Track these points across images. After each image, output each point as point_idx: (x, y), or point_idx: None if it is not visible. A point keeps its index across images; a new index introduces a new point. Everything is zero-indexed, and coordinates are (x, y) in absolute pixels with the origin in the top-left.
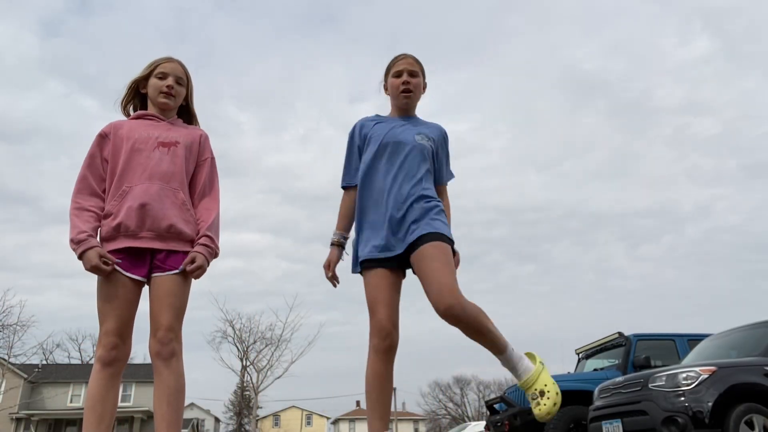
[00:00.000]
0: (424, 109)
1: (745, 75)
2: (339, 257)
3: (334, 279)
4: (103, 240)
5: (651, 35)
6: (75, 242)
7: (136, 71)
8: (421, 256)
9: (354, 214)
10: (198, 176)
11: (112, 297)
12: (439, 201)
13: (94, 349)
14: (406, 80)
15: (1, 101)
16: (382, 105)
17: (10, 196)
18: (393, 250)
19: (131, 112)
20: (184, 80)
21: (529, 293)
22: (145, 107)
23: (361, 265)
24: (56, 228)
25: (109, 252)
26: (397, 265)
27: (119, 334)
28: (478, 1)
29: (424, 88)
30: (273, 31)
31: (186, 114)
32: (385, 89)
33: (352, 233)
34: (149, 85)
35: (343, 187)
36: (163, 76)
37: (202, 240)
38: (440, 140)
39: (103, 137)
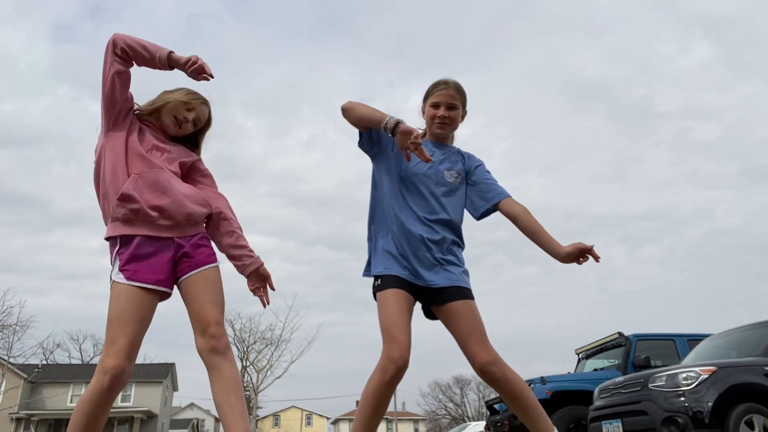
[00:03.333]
0: None
1: (745, 81)
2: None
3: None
4: (118, 220)
5: (652, 42)
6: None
7: (144, 76)
8: (457, 311)
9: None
10: (196, 165)
11: (127, 311)
12: (461, 243)
13: (95, 350)
14: (442, 114)
15: (12, 106)
16: (386, 109)
17: (18, 199)
18: (422, 279)
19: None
20: (201, 124)
21: (530, 294)
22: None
23: (383, 280)
24: (63, 231)
25: (126, 236)
26: (415, 295)
27: (129, 356)
28: (483, 7)
29: (464, 117)
30: (280, 37)
31: (190, 143)
32: (423, 113)
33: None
34: (170, 107)
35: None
36: (190, 108)
37: (248, 251)
38: (470, 170)
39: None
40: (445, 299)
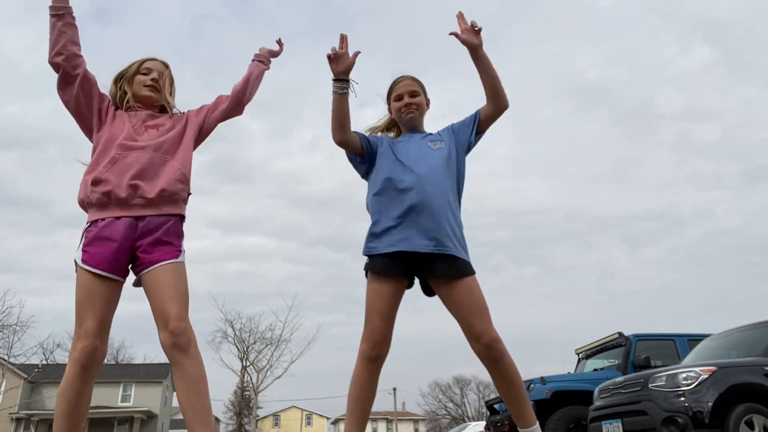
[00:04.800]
0: (428, 115)
1: (745, 83)
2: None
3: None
4: (94, 206)
5: (653, 45)
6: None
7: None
8: (461, 287)
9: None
10: (203, 110)
11: (91, 293)
12: (457, 210)
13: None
14: (407, 102)
15: (16, 108)
16: (383, 112)
17: (21, 201)
18: (417, 245)
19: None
20: (166, 76)
21: (531, 294)
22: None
23: (369, 263)
24: (66, 231)
25: (97, 221)
26: (406, 272)
27: (99, 335)
28: (485, 10)
29: (428, 104)
30: (283, 38)
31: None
32: (390, 112)
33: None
34: (134, 82)
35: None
36: (147, 72)
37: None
38: (449, 131)
39: (102, 96)
40: (446, 274)
